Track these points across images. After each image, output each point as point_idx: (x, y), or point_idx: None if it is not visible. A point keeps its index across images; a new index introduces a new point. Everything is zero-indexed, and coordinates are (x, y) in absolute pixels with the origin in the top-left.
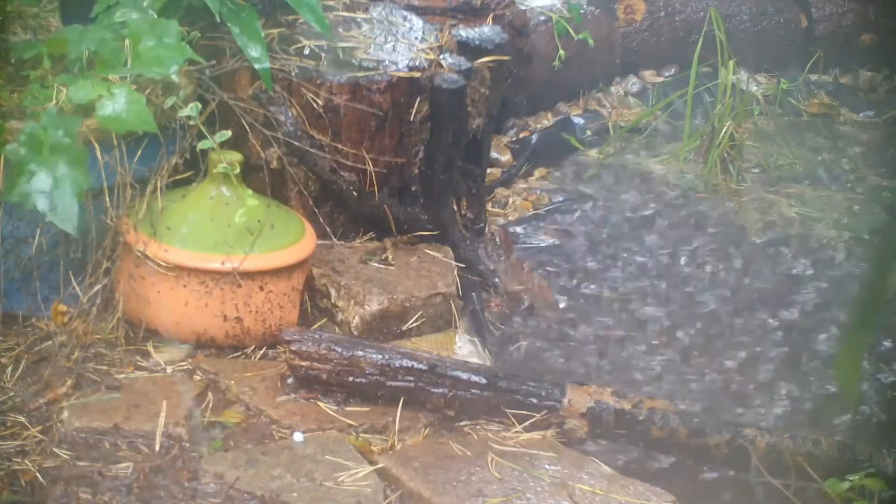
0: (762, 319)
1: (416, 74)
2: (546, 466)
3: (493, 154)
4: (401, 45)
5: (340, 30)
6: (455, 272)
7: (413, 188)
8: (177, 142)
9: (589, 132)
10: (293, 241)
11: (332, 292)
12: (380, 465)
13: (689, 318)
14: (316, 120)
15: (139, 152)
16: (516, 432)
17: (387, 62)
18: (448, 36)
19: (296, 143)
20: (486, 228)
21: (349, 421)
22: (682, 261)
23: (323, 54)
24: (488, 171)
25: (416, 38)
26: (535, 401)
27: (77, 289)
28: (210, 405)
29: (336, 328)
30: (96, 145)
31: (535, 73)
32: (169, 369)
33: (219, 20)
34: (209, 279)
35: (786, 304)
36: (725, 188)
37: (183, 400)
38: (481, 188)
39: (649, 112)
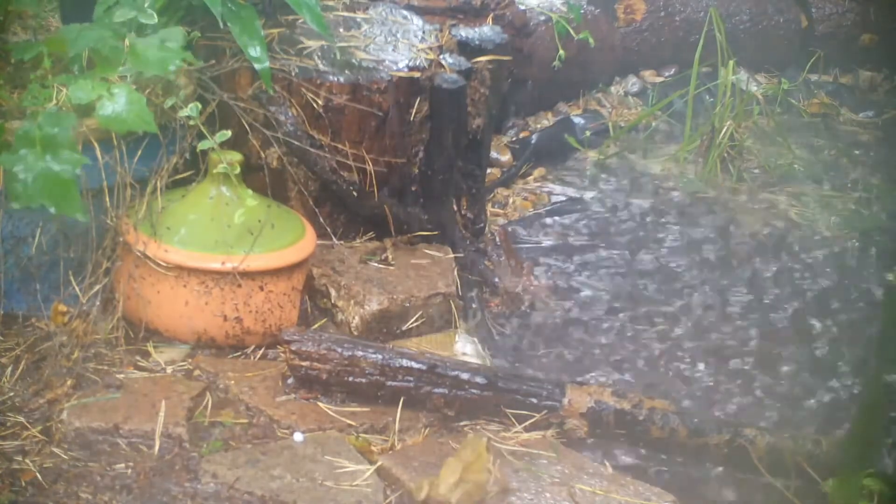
0: (762, 319)
1: (416, 74)
2: (546, 466)
3: (493, 154)
4: (401, 45)
5: (340, 30)
6: (455, 272)
7: (413, 188)
8: (177, 142)
9: (589, 132)
10: (293, 241)
11: (332, 292)
12: (380, 465)
13: (689, 318)
14: (316, 120)
15: (139, 152)
16: (516, 432)
17: (387, 62)
18: (448, 36)
19: (296, 143)
20: (486, 228)
21: (349, 421)
22: (682, 261)
23: (323, 54)
24: (488, 171)
25: (416, 38)
26: (535, 401)
27: (77, 289)
28: (210, 405)
29: (336, 328)
30: (96, 145)
31: (535, 73)
32: (169, 369)
33: (221, 25)
34: (209, 279)
35: (786, 303)
36: (725, 188)
37: (183, 400)
38: (481, 188)
39: (649, 112)
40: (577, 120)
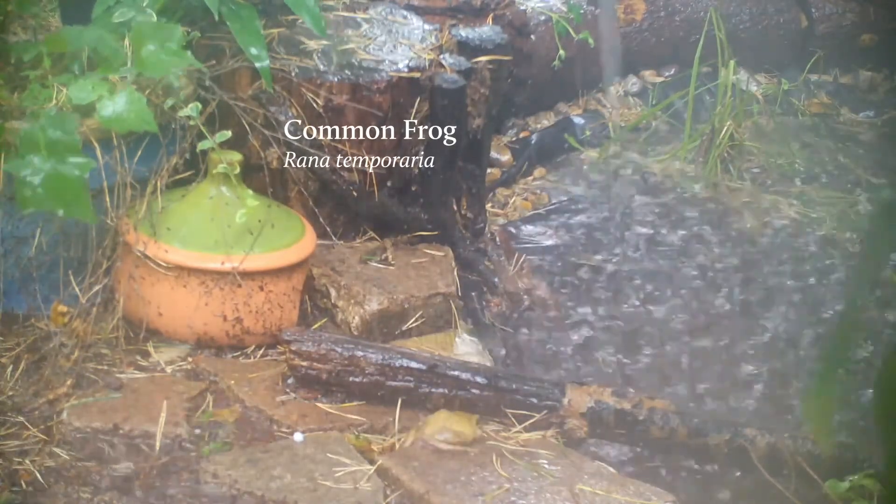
0: (762, 319)
1: (416, 74)
2: (546, 466)
3: (493, 154)
4: (401, 45)
5: (341, 30)
6: (455, 272)
7: (413, 188)
8: (177, 142)
9: (589, 132)
10: (293, 241)
11: (332, 292)
12: (380, 465)
13: (688, 319)
14: (316, 120)
15: (139, 152)
16: (516, 432)
17: (387, 62)
18: (448, 36)
19: (296, 143)
20: (486, 228)
21: (349, 420)
22: (682, 261)
23: (323, 54)
24: (488, 171)
25: (416, 38)
26: (535, 400)
27: (77, 289)
28: (210, 405)
29: (336, 328)
30: (96, 145)
31: (535, 73)
32: (169, 369)
33: (217, 19)
34: (209, 279)
35: (786, 304)
36: (725, 188)
37: (183, 400)
38: (481, 188)
39: (649, 112)
40: (577, 120)
